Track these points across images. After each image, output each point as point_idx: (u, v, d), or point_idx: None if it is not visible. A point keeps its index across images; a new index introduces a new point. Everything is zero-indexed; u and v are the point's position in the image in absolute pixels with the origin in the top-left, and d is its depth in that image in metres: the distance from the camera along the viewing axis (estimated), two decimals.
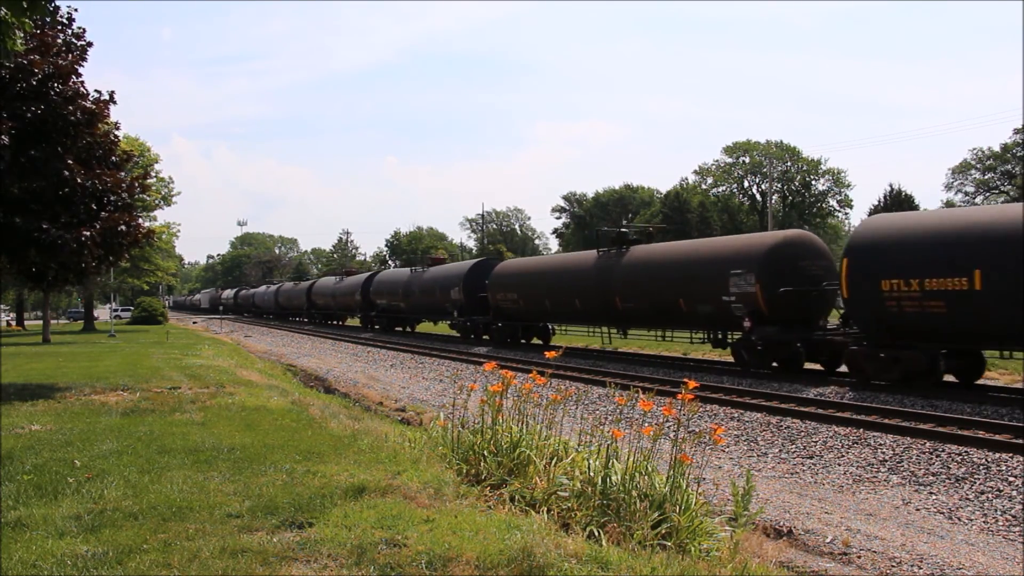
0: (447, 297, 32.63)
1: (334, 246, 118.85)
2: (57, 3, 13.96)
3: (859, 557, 6.90)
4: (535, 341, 29.56)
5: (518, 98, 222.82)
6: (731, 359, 22.62)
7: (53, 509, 5.44)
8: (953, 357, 14.49)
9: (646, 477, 5.70)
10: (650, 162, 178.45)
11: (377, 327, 43.49)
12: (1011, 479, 8.86)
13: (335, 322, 55.73)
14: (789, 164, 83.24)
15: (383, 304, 41.68)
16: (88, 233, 13.39)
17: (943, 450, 10.08)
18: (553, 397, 7.03)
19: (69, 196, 13.45)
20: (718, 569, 4.91)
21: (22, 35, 6.26)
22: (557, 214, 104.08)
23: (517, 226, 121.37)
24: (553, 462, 6.44)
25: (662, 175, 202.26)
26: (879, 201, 58.63)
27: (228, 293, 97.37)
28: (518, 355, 24.13)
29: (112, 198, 14.36)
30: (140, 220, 15.90)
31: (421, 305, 36.31)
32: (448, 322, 35.19)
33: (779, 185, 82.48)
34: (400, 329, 42.38)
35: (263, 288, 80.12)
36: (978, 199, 66.51)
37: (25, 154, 13.04)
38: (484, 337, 31.45)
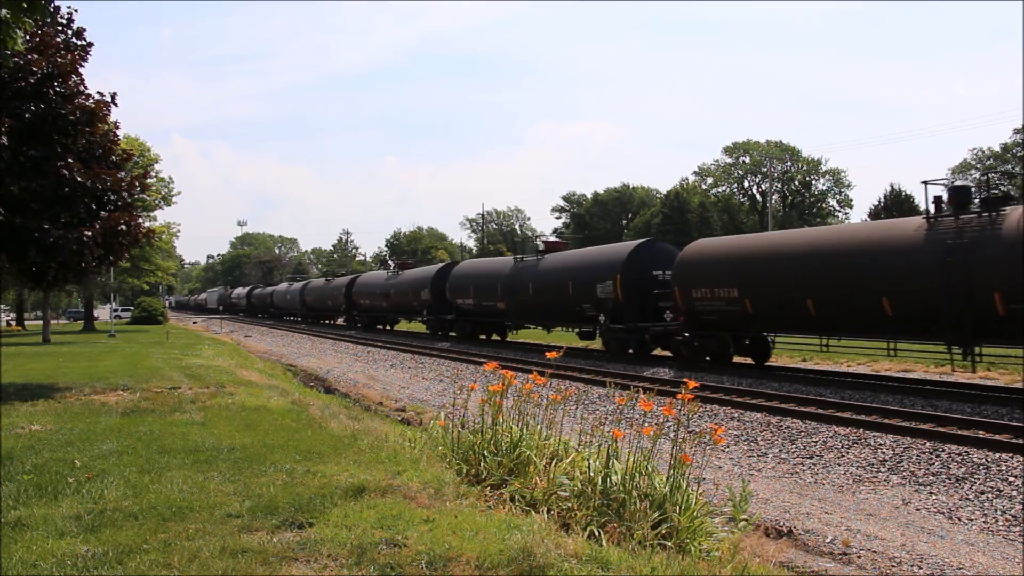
0: (587, 295, 23.08)
1: (334, 246, 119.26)
2: (57, 3, 13.97)
3: (859, 557, 6.90)
4: (738, 359, 19.99)
5: (518, 98, 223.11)
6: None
7: (53, 509, 5.43)
8: None
9: (646, 477, 5.71)
10: (650, 162, 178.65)
11: (454, 334, 33.36)
12: (1011, 479, 8.86)
13: (384, 326, 46.07)
14: (789, 164, 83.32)
15: (467, 305, 31.41)
16: (88, 233, 13.39)
17: (943, 450, 10.08)
18: (553, 397, 7.03)
19: (69, 195, 13.45)
20: (718, 569, 4.91)
21: (22, 35, 6.27)
22: (557, 214, 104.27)
23: (517, 226, 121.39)
24: (553, 462, 6.44)
25: (662, 175, 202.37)
26: (879, 201, 58.74)
27: (240, 291, 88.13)
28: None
29: (112, 197, 14.37)
30: (140, 220, 15.88)
31: (537, 306, 26.72)
32: (579, 329, 25.61)
33: (779, 185, 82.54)
34: (485, 337, 32.29)
35: (284, 285, 69.49)
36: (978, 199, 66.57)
37: (25, 153, 13.04)
38: (648, 349, 22.04)
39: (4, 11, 5.24)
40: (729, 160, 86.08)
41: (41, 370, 16.84)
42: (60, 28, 14.11)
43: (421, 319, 37.85)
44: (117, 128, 15.87)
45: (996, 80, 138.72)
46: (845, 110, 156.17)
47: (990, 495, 8.58)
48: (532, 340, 31.67)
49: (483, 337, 32.51)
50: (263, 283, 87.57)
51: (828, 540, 7.32)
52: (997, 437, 10.43)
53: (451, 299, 32.63)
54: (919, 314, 14.66)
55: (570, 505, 5.68)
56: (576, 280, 23.97)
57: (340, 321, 53.42)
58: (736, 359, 19.94)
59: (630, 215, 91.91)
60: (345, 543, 4.61)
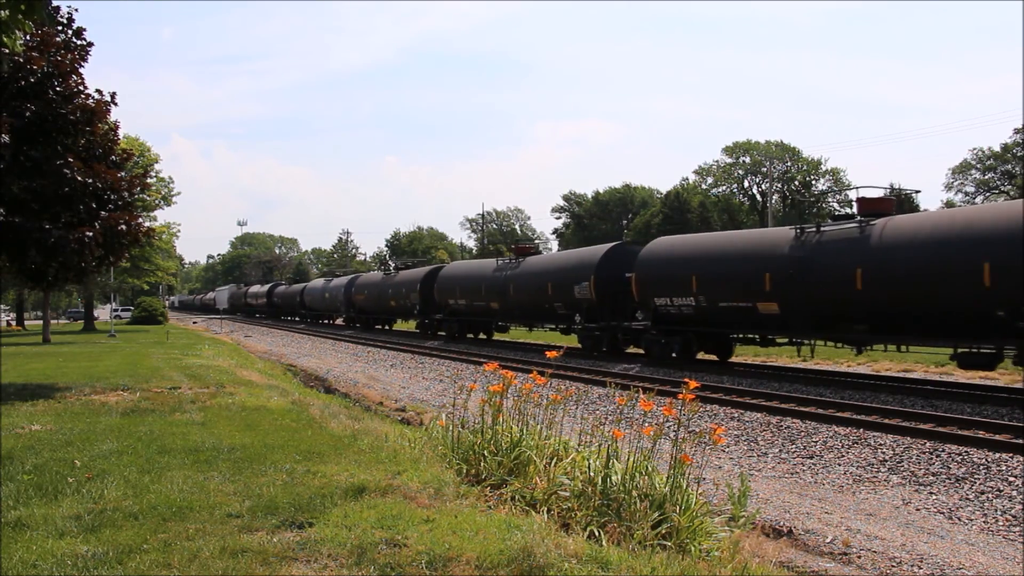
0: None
1: (334, 246, 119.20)
2: (57, 3, 13.98)
3: (859, 557, 6.90)
4: None
5: (518, 98, 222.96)
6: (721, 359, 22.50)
7: (53, 509, 5.43)
8: None
9: (646, 477, 5.70)
10: (650, 162, 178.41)
11: (652, 350, 20.91)
12: (1011, 479, 8.86)
13: (475, 335, 33.40)
14: (789, 164, 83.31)
15: (680, 307, 19.63)
16: (89, 233, 13.39)
17: (943, 450, 10.08)
18: (553, 397, 7.03)
19: (69, 195, 13.45)
20: (718, 569, 4.91)
21: (21, 37, 6.27)
22: (557, 214, 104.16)
23: (517, 226, 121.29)
24: (553, 462, 6.44)
25: (662, 175, 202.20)
26: None
27: (258, 289, 77.48)
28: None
29: (112, 197, 14.37)
30: (140, 220, 15.88)
31: (874, 303, 15.18)
32: (968, 348, 14.06)
33: (779, 185, 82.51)
34: (703, 356, 20.92)
35: (320, 282, 57.06)
36: (978, 199, 66.57)
37: (25, 153, 13.04)
38: None
39: (3, 12, 5.23)
40: (729, 160, 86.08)
41: (41, 370, 16.84)
42: (60, 28, 14.10)
43: (558, 327, 26.63)
44: (117, 128, 15.87)
45: (996, 80, 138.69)
46: (845, 110, 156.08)
47: (990, 495, 8.58)
48: (819, 366, 20.52)
49: (700, 356, 20.95)
50: (287, 282, 78.88)
51: (828, 540, 7.32)
52: (997, 437, 10.44)
53: (642, 297, 21.10)
54: None
55: (570, 505, 5.68)
56: (997, 262, 12.82)
57: (404, 325, 43.26)
58: None
59: (630, 215, 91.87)
60: (345, 543, 4.61)
